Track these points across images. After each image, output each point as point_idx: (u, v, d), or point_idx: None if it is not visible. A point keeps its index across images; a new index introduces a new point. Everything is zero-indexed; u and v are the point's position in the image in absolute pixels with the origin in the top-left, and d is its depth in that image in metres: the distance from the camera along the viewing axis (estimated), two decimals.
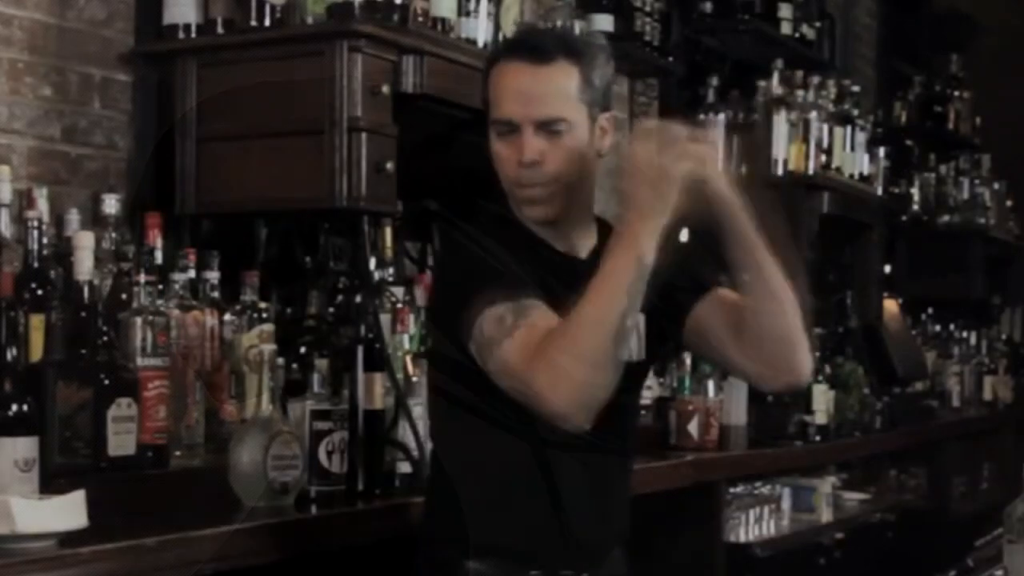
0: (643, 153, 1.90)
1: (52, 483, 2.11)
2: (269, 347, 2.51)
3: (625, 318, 1.87)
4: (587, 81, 2.05)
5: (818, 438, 4.52)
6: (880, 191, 5.59)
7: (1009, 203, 7.40)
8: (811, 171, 4.79)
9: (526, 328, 1.91)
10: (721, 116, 4.60)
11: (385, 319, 2.81)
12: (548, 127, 2.04)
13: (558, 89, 2.04)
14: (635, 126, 2.02)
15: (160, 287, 2.55)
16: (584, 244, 2.14)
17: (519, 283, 1.96)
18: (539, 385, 1.87)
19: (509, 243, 2.06)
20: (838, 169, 5.03)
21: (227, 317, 2.70)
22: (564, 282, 1.96)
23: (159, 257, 2.62)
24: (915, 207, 6.82)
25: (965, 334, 7.00)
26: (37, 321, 2.33)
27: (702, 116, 4.61)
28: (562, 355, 1.86)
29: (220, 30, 2.91)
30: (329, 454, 2.52)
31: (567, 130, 2.04)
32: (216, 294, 2.72)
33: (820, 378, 4.53)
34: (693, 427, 3.87)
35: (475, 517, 2.09)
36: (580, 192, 2.10)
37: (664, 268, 1.92)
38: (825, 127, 4.90)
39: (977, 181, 7.10)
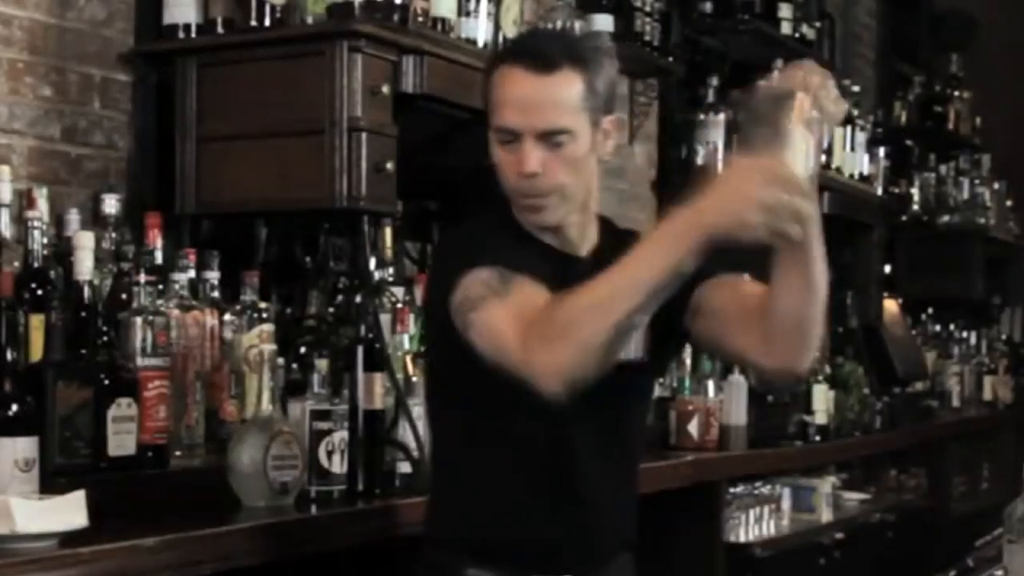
0: (745, 172, 1.75)
1: (52, 483, 2.11)
2: (269, 347, 2.51)
3: (634, 316, 1.80)
4: (591, 88, 2.02)
5: (818, 438, 4.52)
6: (880, 191, 5.59)
7: (1009, 203, 7.39)
8: None
9: (521, 299, 1.87)
10: (721, 116, 4.60)
11: (385, 319, 2.81)
12: (550, 138, 2.00)
13: (561, 99, 2.00)
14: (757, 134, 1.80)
15: (160, 287, 2.55)
16: (584, 243, 2.12)
17: (511, 259, 1.93)
18: (529, 358, 1.82)
19: (507, 239, 2.05)
20: (838, 169, 5.03)
21: (227, 317, 2.70)
22: (562, 279, 1.94)
23: (159, 257, 2.63)
24: (915, 207, 6.82)
25: (965, 334, 6.99)
26: (37, 321, 2.33)
27: (702, 116, 4.61)
28: (558, 333, 1.80)
29: (220, 30, 2.91)
30: (329, 454, 2.52)
31: (569, 141, 2.01)
32: (216, 294, 2.72)
33: (820, 378, 4.53)
34: (693, 427, 3.87)
35: (475, 520, 2.08)
36: (581, 197, 2.08)
37: None
38: (825, 127, 4.89)
39: (977, 181, 7.09)
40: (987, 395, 6.95)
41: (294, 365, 2.70)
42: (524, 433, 2.03)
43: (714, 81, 4.83)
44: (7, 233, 2.51)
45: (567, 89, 2.01)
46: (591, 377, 1.84)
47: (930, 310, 6.84)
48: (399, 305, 2.87)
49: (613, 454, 2.12)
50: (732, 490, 3.93)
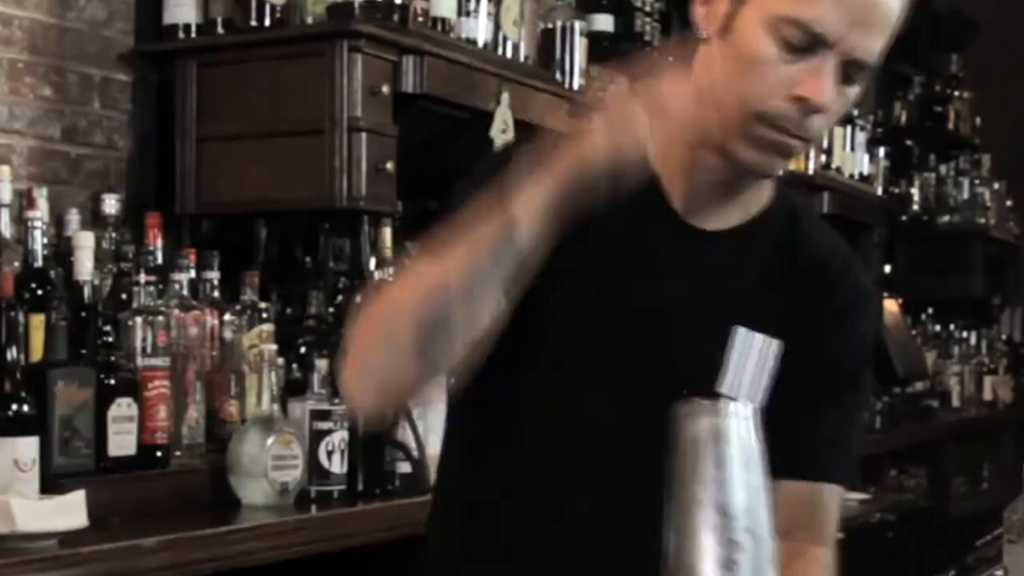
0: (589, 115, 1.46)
1: (52, 483, 2.11)
2: (269, 347, 2.52)
3: (466, 298, 1.43)
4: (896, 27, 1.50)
5: None
6: (880, 191, 5.59)
7: (1009, 203, 7.39)
8: (811, 171, 4.79)
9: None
10: None
11: None
12: (855, 70, 1.48)
13: (893, 26, 1.48)
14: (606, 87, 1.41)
15: (160, 287, 2.55)
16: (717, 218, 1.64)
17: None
18: (343, 358, 1.50)
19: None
20: (838, 169, 5.03)
21: (227, 317, 2.70)
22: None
23: (159, 257, 2.63)
24: (915, 207, 6.82)
25: (965, 334, 6.99)
26: (37, 321, 2.33)
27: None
28: (367, 324, 1.49)
29: (220, 30, 2.91)
30: (329, 454, 2.52)
31: (862, 83, 1.50)
32: (216, 294, 2.71)
33: None
34: None
35: (471, 527, 2.02)
36: None
37: None
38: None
39: (977, 181, 7.09)
40: (987, 395, 6.95)
41: (294, 365, 2.71)
42: (513, 455, 1.73)
43: None
44: (7, 233, 2.51)
45: (899, 16, 1.49)
46: (408, 396, 1.62)
47: (930, 310, 6.84)
48: None
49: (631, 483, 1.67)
50: None
